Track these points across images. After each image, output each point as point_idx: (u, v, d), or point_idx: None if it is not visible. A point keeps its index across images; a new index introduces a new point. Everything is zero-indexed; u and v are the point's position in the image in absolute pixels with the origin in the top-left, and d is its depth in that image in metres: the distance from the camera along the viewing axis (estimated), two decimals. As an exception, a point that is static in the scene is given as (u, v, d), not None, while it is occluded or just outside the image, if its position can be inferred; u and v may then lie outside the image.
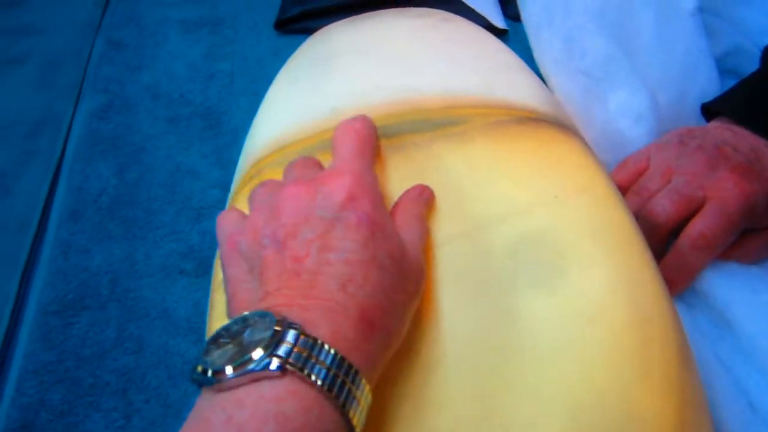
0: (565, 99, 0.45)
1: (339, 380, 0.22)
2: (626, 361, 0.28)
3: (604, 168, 0.36)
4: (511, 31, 0.58)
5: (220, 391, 0.22)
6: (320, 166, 0.33)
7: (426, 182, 0.33)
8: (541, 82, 0.42)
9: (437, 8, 0.53)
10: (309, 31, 0.52)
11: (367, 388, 0.23)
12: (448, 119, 0.35)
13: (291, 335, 0.22)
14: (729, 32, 0.48)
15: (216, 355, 0.23)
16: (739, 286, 0.36)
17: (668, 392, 0.28)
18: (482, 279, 0.30)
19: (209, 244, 0.47)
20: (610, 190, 0.34)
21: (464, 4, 0.59)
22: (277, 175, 0.36)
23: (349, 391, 0.22)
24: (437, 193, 0.33)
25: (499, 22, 0.58)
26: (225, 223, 0.31)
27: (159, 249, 0.47)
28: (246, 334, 0.23)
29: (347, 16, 0.51)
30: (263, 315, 0.23)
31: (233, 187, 0.40)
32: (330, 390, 0.21)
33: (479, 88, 0.38)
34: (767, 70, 0.42)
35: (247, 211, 0.32)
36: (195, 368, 0.23)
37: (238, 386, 0.22)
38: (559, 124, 0.36)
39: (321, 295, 0.24)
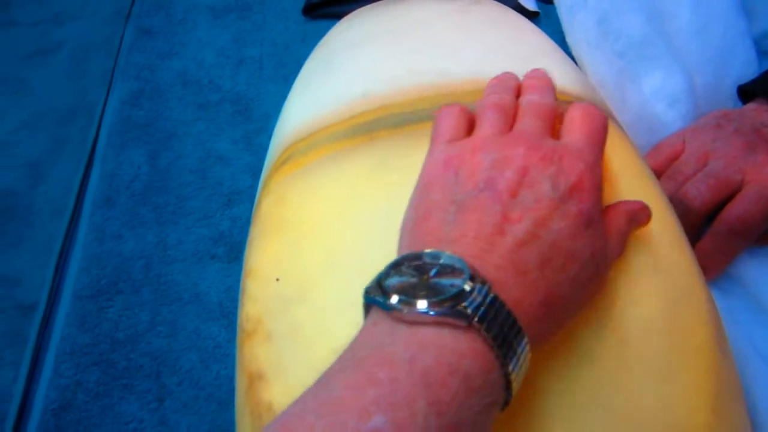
0: (598, 82, 0.44)
1: (513, 349, 0.22)
2: (660, 348, 0.28)
3: (639, 152, 0.35)
4: (542, 13, 0.57)
5: (396, 321, 0.22)
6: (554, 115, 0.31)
7: None
8: (575, 65, 0.41)
9: (467, -9, 0.52)
10: (337, 17, 0.52)
11: (529, 361, 0.23)
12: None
13: (480, 292, 0.22)
14: (767, 12, 0.46)
15: (397, 282, 0.23)
16: (775, 271, 0.35)
17: (703, 379, 0.27)
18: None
19: (240, 229, 0.47)
20: (645, 173, 0.33)
21: (494, -13, 0.58)
22: (309, 159, 0.36)
23: (518, 360, 0.22)
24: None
25: (530, 4, 0.57)
26: (443, 127, 0.30)
27: (190, 234, 0.48)
28: (433, 273, 0.23)
29: (376, 1, 0.51)
30: (455, 260, 0.23)
31: (264, 171, 0.40)
32: (505, 356, 0.22)
33: (511, 70, 0.37)
34: None
35: None
36: (372, 287, 0.23)
37: (417, 324, 0.21)
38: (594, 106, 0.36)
39: (519, 263, 0.24)
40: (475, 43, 0.40)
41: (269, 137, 0.43)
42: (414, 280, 0.22)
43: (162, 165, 0.52)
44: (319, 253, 0.33)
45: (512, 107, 0.31)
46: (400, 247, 0.27)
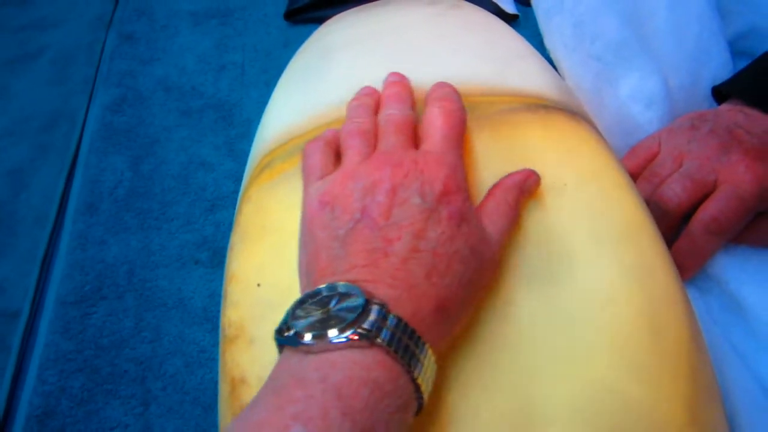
0: (576, 85, 0.45)
1: (416, 357, 0.24)
2: (637, 348, 0.28)
3: (615, 155, 0.35)
4: (521, 16, 0.58)
5: (308, 353, 0.24)
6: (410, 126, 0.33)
7: None
8: (552, 68, 0.42)
9: (447, -5, 0.53)
10: (319, 21, 0.53)
11: (435, 363, 0.25)
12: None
13: (376, 311, 0.24)
14: (743, 13, 0.47)
15: (302, 319, 0.25)
16: (753, 271, 0.35)
17: (680, 379, 0.28)
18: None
19: (223, 234, 0.48)
20: (621, 176, 0.34)
21: (474, -10, 0.58)
22: (289, 166, 0.36)
23: (422, 365, 0.24)
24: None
25: (509, 7, 0.58)
26: (312, 165, 0.32)
27: (174, 240, 0.48)
28: (333, 304, 0.25)
29: (357, 5, 0.51)
30: (351, 288, 0.25)
31: (245, 179, 0.40)
32: (409, 365, 0.24)
33: (489, 75, 0.38)
34: None
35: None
36: (281, 329, 0.25)
37: (326, 351, 0.23)
38: (569, 111, 0.36)
39: (407, 278, 0.26)
40: (452, 47, 0.41)
41: (251, 143, 0.43)
42: (318, 314, 0.24)
43: (145, 171, 0.52)
44: (300, 258, 0.33)
45: (372, 128, 0.33)
46: (301, 288, 0.30)
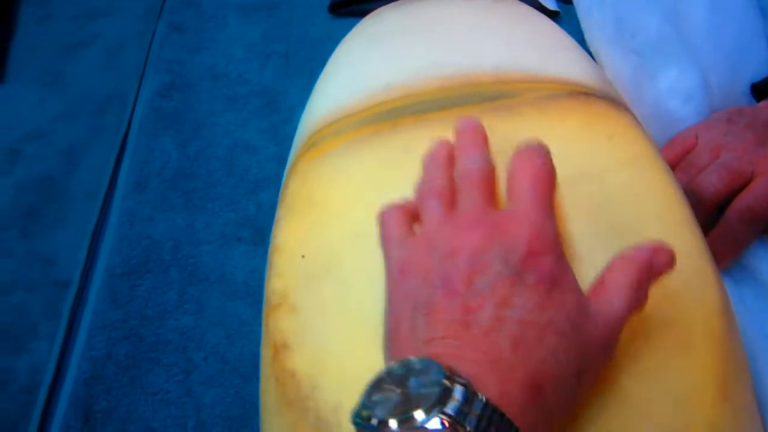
0: (615, 78, 0.45)
1: None
2: (669, 330, 0.29)
3: (654, 142, 0.36)
4: (562, 12, 0.58)
5: None
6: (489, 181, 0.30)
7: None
8: (592, 60, 0.42)
9: (489, -9, 0.54)
10: (361, 14, 0.54)
11: None
12: (499, 93, 0.36)
13: (459, 392, 0.21)
14: (785, 13, 0.48)
15: (379, 401, 0.23)
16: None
17: (710, 362, 0.28)
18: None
19: (265, 214, 0.49)
20: (659, 163, 0.35)
21: (515, -13, 0.59)
22: (335, 144, 0.38)
23: None
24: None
25: (550, 3, 0.58)
26: (390, 231, 0.31)
27: (217, 218, 0.50)
28: (411, 383, 0.22)
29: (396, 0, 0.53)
30: (429, 364, 0.23)
31: (291, 156, 0.41)
32: None
33: (531, 63, 0.39)
34: None
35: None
36: (359, 412, 0.23)
37: None
38: (610, 99, 0.37)
39: (490, 350, 0.23)
40: (496, 37, 0.42)
41: (295, 128, 0.45)
42: (395, 395, 0.22)
43: (191, 153, 0.54)
44: (343, 231, 0.35)
45: (449, 184, 0.31)
46: (385, 358, 0.28)
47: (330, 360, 0.31)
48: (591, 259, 0.30)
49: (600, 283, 0.27)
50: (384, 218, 0.32)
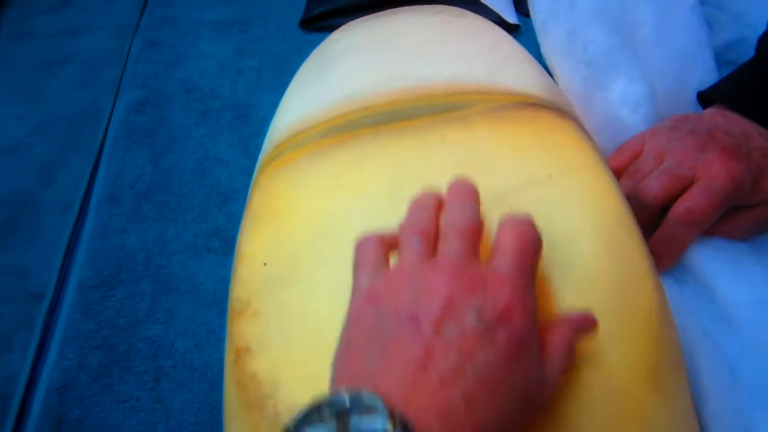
0: (568, 88, 0.47)
1: None
2: (609, 322, 0.30)
3: (599, 151, 0.38)
4: (523, 26, 0.60)
5: None
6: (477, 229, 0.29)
7: (431, 161, 0.36)
8: (545, 72, 0.44)
9: (452, 5, 0.56)
10: (332, 29, 0.56)
11: None
12: (452, 104, 0.38)
13: None
14: (731, 24, 0.50)
15: (314, 428, 0.22)
16: (724, 261, 0.38)
17: (646, 349, 0.30)
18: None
19: (235, 225, 0.50)
20: (602, 170, 0.36)
21: (479, 1, 0.61)
22: (297, 155, 0.39)
23: None
24: (440, 172, 0.34)
25: (511, 17, 0.60)
26: (364, 260, 0.29)
27: (189, 230, 0.51)
28: (352, 419, 0.22)
29: (368, 14, 0.55)
30: (376, 404, 0.22)
31: (257, 167, 0.43)
32: None
33: (483, 76, 0.40)
34: (760, 57, 0.44)
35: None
36: (289, 429, 0.22)
37: None
38: (558, 109, 0.39)
39: (443, 404, 0.23)
40: (453, 51, 0.43)
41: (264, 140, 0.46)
42: (333, 426, 0.22)
43: (164, 166, 0.55)
44: (305, 239, 0.36)
45: (433, 229, 0.30)
46: (330, 381, 0.27)
47: (290, 362, 0.32)
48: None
49: (548, 346, 0.27)
50: (360, 245, 0.30)
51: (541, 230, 0.29)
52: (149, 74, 0.63)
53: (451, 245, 0.28)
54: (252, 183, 0.42)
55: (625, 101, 0.45)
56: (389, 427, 0.21)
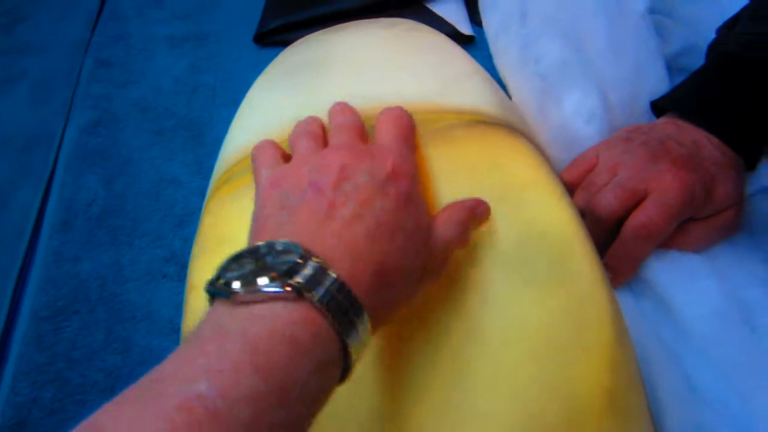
0: (521, 102, 0.47)
1: (348, 316, 0.24)
2: (564, 343, 0.30)
3: (551, 166, 0.38)
4: (478, 37, 0.60)
5: (235, 304, 0.23)
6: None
7: None
8: (497, 86, 0.44)
9: (407, 18, 0.55)
10: (287, 43, 0.55)
11: (370, 326, 0.25)
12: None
13: (311, 266, 0.24)
14: (681, 32, 0.50)
15: (235, 270, 0.24)
16: (680, 274, 0.38)
17: (599, 376, 0.30)
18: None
19: (190, 248, 0.49)
20: (554, 186, 0.36)
21: (433, 13, 0.61)
22: (247, 180, 0.38)
23: (354, 325, 0.24)
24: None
25: (466, 29, 0.60)
26: (263, 158, 0.33)
27: (144, 255, 0.50)
28: (269, 258, 0.24)
29: (322, 28, 0.54)
30: (289, 245, 0.25)
31: (208, 191, 0.42)
32: (338, 322, 0.23)
33: (433, 95, 0.40)
34: (710, 65, 0.44)
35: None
36: (213, 280, 0.24)
37: (253, 302, 0.23)
38: (507, 125, 0.39)
39: (347, 238, 0.26)
40: (404, 68, 0.43)
41: (219, 161, 0.45)
42: (251, 266, 0.24)
43: (118, 189, 0.54)
44: (255, 267, 0.35)
45: (322, 134, 0.34)
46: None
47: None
48: (478, 283, 0.32)
49: (438, 215, 0.31)
50: (257, 149, 0.34)
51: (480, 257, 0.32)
52: (101, 94, 0.62)
53: (339, 136, 0.33)
54: (203, 209, 0.42)
55: (578, 114, 0.45)
56: (300, 260, 0.24)
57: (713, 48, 0.45)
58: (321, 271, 0.24)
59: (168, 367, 0.21)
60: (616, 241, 0.38)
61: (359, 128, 0.34)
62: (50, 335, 0.46)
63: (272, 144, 0.34)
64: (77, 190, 0.54)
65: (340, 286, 0.24)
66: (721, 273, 0.38)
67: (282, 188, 0.29)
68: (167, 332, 0.45)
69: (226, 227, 0.37)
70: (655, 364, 0.35)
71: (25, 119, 0.62)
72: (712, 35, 0.47)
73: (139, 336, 0.46)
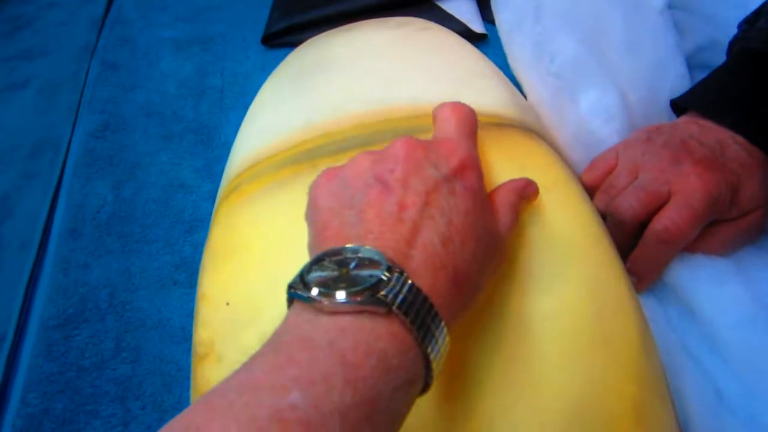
0: (537, 102, 0.46)
1: (431, 331, 0.23)
2: (584, 360, 0.29)
3: (570, 168, 0.37)
4: (491, 35, 0.59)
5: (319, 312, 0.23)
6: None
7: None
8: (512, 86, 0.43)
9: (417, 16, 0.54)
10: (295, 45, 0.54)
11: (449, 340, 0.24)
12: (414, 128, 0.37)
13: (398, 280, 0.23)
14: (701, 27, 0.49)
15: (319, 277, 0.24)
16: (706, 279, 0.36)
17: (628, 383, 0.29)
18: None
19: (201, 255, 0.49)
20: (574, 189, 0.35)
21: (444, 11, 0.60)
22: (255, 188, 0.38)
23: (437, 342, 0.24)
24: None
25: (478, 27, 0.59)
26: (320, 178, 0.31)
27: (154, 261, 0.49)
28: (353, 266, 0.24)
29: (331, 28, 0.53)
30: (371, 252, 0.24)
31: (217, 199, 0.41)
32: (423, 338, 0.23)
33: (447, 96, 0.39)
34: (732, 62, 0.43)
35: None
36: (295, 282, 0.24)
37: (338, 313, 0.23)
38: (524, 127, 0.38)
39: (424, 246, 0.25)
40: (416, 70, 0.42)
41: (228, 165, 0.44)
42: (335, 273, 0.24)
43: (126, 195, 0.53)
44: (266, 277, 0.34)
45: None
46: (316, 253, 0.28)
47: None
48: (500, 290, 0.31)
49: (493, 202, 0.30)
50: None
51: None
52: (108, 98, 0.61)
53: (398, 141, 0.30)
54: (212, 217, 0.41)
55: (596, 113, 0.43)
56: (386, 274, 0.23)
57: (735, 44, 0.44)
58: (407, 286, 0.23)
59: (258, 372, 0.21)
60: (638, 245, 0.37)
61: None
62: (60, 344, 0.45)
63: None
64: (85, 196, 0.54)
65: (424, 300, 0.23)
66: (748, 278, 0.36)
67: (341, 180, 0.28)
68: (179, 340, 0.45)
69: (236, 236, 0.37)
70: (681, 372, 0.34)
71: (31, 125, 0.62)
72: (733, 30, 0.46)
73: (150, 344, 0.45)
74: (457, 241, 0.26)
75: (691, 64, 0.47)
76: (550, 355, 0.29)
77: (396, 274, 0.23)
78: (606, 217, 0.38)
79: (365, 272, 0.23)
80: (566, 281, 0.31)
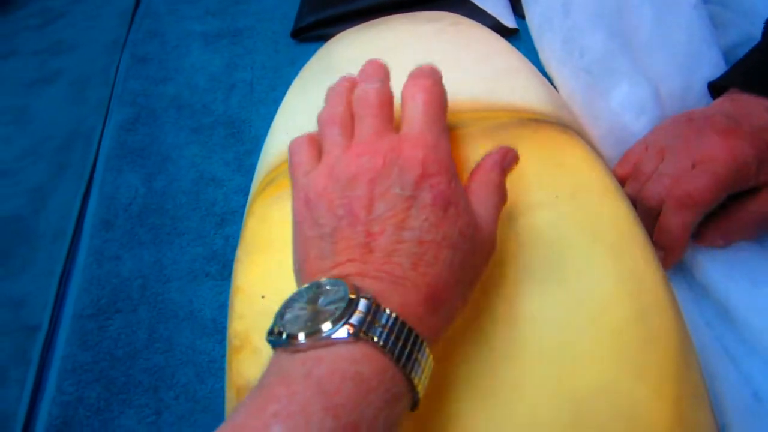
0: (569, 97, 0.46)
1: (407, 349, 0.24)
2: (625, 359, 0.29)
3: (605, 165, 0.36)
4: (521, 29, 0.59)
5: (296, 351, 0.23)
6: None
7: None
8: (546, 81, 0.43)
9: (448, 11, 0.54)
10: (325, 38, 0.54)
11: (431, 356, 0.25)
12: (450, 124, 0.36)
13: (363, 305, 0.24)
14: (737, 22, 0.48)
15: (291, 318, 0.24)
16: (739, 278, 0.36)
17: (665, 388, 0.28)
18: (489, 279, 0.31)
19: (232, 247, 0.49)
20: (611, 186, 0.35)
21: (475, 5, 0.60)
22: (290, 184, 0.38)
23: (415, 359, 0.24)
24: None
25: (509, 21, 0.59)
26: (298, 161, 0.32)
27: (185, 254, 0.50)
28: (321, 301, 0.24)
29: (361, 22, 0.53)
30: (337, 283, 0.25)
31: (250, 194, 0.42)
32: (398, 357, 0.23)
33: (481, 92, 0.39)
34: (766, 40, 0.42)
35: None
36: (272, 330, 0.25)
37: (314, 348, 0.23)
38: (560, 123, 0.37)
39: (393, 270, 0.25)
40: (449, 65, 0.42)
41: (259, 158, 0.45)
42: (304, 312, 0.24)
43: (158, 187, 0.54)
44: (302, 270, 0.35)
45: (348, 112, 0.32)
46: (297, 285, 0.29)
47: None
48: (541, 290, 0.31)
49: (469, 188, 0.30)
50: (293, 147, 0.33)
51: (541, 264, 0.31)
52: (139, 91, 0.62)
53: (363, 125, 0.31)
54: (246, 209, 0.41)
55: (627, 107, 0.43)
56: (352, 296, 0.24)
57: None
58: (375, 309, 0.24)
59: (241, 417, 0.22)
60: (661, 213, 0.37)
61: (383, 100, 0.32)
62: (94, 334, 0.46)
63: (307, 141, 0.33)
64: (117, 188, 0.55)
65: (395, 320, 0.24)
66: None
67: (316, 210, 0.29)
68: (210, 332, 0.45)
69: (271, 229, 0.37)
70: (718, 371, 0.34)
71: (63, 117, 0.63)
72: (770, 24, 0.45)
73: (182, 336, 0.46)
74: (429, 259, 0.26)
75: (726, 59, 0.47)
76: (588, 353, 0.29)
77: (361, 299, 0.24)
78: (636, 203, 0.38)
79: (332, 306, 0.24)
80: (606, 280, 0.31)
